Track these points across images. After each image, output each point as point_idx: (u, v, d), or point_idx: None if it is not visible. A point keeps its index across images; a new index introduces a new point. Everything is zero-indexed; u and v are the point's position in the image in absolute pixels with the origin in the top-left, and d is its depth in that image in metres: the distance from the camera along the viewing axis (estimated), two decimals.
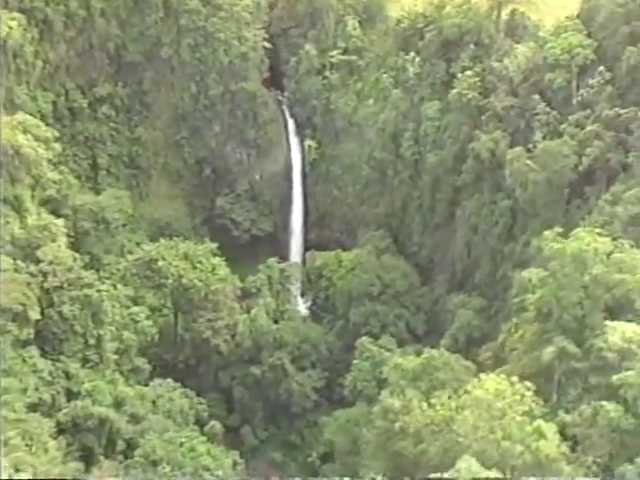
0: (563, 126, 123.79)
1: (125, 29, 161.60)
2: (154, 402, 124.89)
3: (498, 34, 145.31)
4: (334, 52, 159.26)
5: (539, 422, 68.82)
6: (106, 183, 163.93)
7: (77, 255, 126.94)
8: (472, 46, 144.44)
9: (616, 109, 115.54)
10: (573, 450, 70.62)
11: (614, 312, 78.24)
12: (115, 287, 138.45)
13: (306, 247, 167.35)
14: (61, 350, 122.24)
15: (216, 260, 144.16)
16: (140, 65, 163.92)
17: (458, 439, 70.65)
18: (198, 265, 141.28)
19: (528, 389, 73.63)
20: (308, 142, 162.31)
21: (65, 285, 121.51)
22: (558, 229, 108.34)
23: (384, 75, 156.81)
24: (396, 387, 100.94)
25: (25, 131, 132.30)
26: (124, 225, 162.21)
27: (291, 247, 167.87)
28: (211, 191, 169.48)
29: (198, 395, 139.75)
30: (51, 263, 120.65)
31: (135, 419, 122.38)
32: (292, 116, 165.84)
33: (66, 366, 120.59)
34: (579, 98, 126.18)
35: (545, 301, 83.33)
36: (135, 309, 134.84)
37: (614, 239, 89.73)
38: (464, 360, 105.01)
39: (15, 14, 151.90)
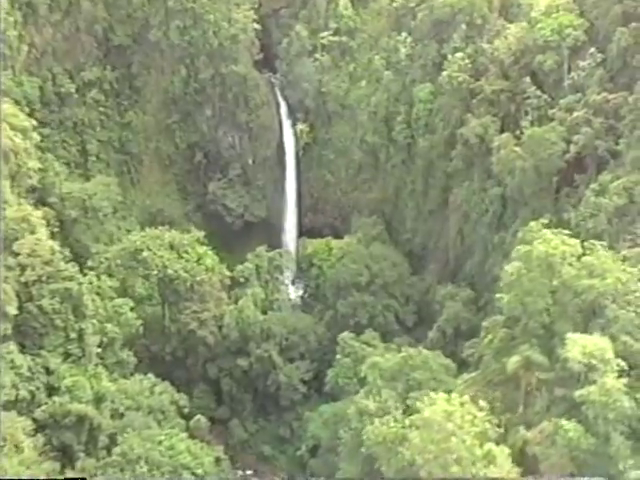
0: (553, 111, 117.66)
1: (112, 11, 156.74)
2: (134, 398, 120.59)
3: (492, 14, 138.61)
4: (325, 33, 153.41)
5: (490, 446, 63.89)
6: (96, 169, 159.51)
7: (58, 247, 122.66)
8: (464, 26, 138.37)
9: (605, 94, 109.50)
10: (532, 472, 65.59)
11: (584, 319, 72.89)
12: (99, 278, 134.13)
13: (300, 232, 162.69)
14: (41, 345, 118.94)
15: (203, 249, 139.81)
16: (129, 48, 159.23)
17: (409, 459, 65.91)
18: (184, 255, 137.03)
19: (481, 409, 68.68)
20: (299, 126, 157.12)
21: (44, 278, 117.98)
22: (544, 220, 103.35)
23: (376, 56, 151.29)
24: (373, 387, 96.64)
25: (2, 120, 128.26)
26: (114, 212, 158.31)
27: (285, 233, 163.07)
28: (203, 176, 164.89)
29: (187, 387, 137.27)
30: (29, 256, 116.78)
31: (116, 415, 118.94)
32: (284, 99, 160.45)
33: (46, 361, 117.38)
34: (570, 81, 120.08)
35: (511, 307, 78.26)
36: (119, 301, 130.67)
37: (584, 240, 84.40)
38: (444, 358, 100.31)
39: None
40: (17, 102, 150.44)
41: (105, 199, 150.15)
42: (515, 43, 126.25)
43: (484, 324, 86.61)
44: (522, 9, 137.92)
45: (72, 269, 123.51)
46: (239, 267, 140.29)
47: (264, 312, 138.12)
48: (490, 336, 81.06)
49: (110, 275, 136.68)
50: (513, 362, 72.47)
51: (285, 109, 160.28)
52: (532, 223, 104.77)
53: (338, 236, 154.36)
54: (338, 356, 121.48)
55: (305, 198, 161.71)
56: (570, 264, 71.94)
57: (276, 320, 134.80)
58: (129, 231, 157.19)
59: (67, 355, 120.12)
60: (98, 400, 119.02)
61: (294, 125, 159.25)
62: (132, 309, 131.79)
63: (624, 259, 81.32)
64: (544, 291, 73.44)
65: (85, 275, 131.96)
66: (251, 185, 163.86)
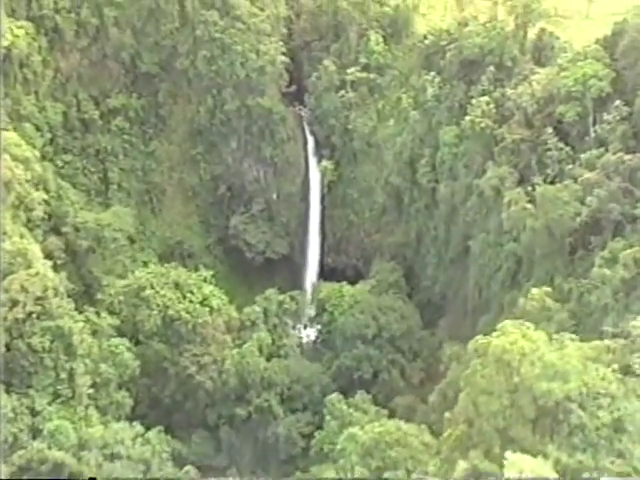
0: (569, 167, 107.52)
1: (139, 39, 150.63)
2: (116, 447, 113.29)
3: (523, 56, 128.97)
4: (352, 69, 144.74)
5: None
6: (116, 198, 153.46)
7: (58, 281, 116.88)
8: (492, 68, 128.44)
9: (620, 154, 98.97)
10: None
11: (545, 425, 63.09)
12: (99, 315, 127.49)
13: (322, 272, 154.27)
14: (30, 384, 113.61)
15: (210, 289, 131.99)
16: (156, 76, 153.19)
17: None
18: (188, 295, 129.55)
19: None
20: (324, 163, 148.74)
21: (35, 315, 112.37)
22: (547, 288, 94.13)
23: (404, 95, 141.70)
24: (347, 462, 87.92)
25: (4, 151, 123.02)
26: (132, 243, 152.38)
27: (307, 271, 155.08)
28: (227, 209, 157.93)
29: (186, 432, 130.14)
30: (20, 292, 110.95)
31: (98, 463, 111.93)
32: (312, 134, 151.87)
33: (32, 402, 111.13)
34: (594, 134, 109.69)
35: (464, 406, 68.90)
36: (115, 341, 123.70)
37: (554, 333, 74.67)
38: (427, 434, 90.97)
39: (23, 22, 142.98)
40: (38, 128, 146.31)
41: (119, 230, 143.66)
42: (540, 90, 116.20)
43: (446, 415, 77.16)
44: (556, 52, 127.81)
45: (67, 306, 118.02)
46: (246, 309, 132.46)
47: (269, 358, 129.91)
48: (450, 430, 71.73)
49: (112, 312, 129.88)
50: (460, 470, 63.12)
51: (312, 145, 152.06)
52: (534, 290, 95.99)
53: (360, 278, 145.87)
54: (327, 417, 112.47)
55: (328, 237, 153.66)
56: (530, 363, 62.38)
57: (279, 368, 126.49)
58: (146, 263, 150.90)
59: (56, 395, 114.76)
60: (81, 446, 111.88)
61: (320, 162, 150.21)
62: (129, 349, 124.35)
63: (609, 350, 71.31)
64: (500, 391, 64.00)
65: (82, 312, 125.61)
66: (274, 221, 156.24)
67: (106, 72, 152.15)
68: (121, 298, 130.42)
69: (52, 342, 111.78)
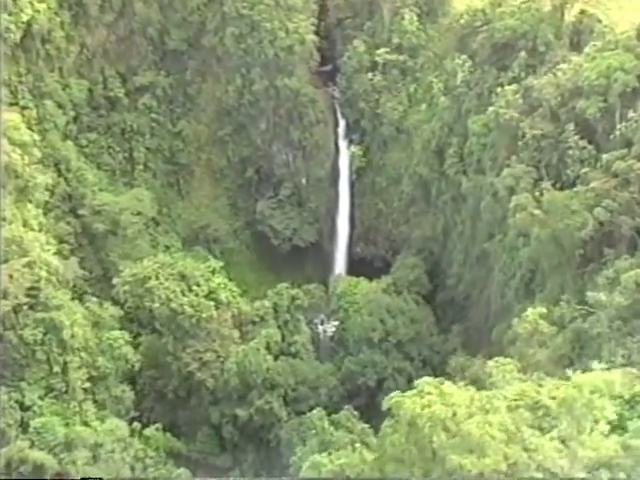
0: (584, 170, 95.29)
1: (167, 14, 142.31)
2: (101, 447, 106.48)
3: (558, 40, 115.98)
4: (382, 50, 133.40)
5: None
6: (142, 179, 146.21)
7: (48, 272, 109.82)
8: (523, 54, 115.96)
9: (632, 161, 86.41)
10: None
11: None
12: (101, 305, 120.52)
13: (351, 262, 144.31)
14: (22, 377, 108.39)
15: (218, 281, 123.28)
16: (184, 54, 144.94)
17: None
18: (194, 287, 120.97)
19: None
20: (353, 148, 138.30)
21: (28, 306, 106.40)
22: (542, 309, 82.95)
23: (434, 79, 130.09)
24: None
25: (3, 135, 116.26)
26: (157, 225, 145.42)
27: (335, 261, 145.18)
28: (255, 193, 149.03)
29: (190, 428, 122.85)
30: (9, 282, 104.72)
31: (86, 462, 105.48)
32: (344, 117, 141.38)
33: (22, 396, 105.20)
34: (618, 133, 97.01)
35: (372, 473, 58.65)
36: (114, 334, 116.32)
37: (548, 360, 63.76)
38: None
39: None
40: (61, 105, 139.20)
41: (138, 214, 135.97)
42: (565, 81, 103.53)
43: None
44: (594, 37, 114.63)
45: (63, 297, 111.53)
46: (256, 304, 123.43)
47: (278, 356, 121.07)
48: None
49: (116, 302, 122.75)
50: None
51: (343, 128, 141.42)
52: (529, 310, 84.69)
53: (389, 271, 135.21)
54: (310, 433, 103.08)
55: (357, 226, 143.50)
56: (446, 430, 51.82)
57: (283, 368, 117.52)
58: (168, 247, 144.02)
59: (49, 389, 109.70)
60: (68, 445, 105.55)
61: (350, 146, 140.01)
62: (129, 342, 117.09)
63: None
64: (412, 460, 53.68)
65: (84, 302, 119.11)
66: (303, 207, 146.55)
67: (133, 48, 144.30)
68: (127, 288, 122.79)
69: (45, 334, 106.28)
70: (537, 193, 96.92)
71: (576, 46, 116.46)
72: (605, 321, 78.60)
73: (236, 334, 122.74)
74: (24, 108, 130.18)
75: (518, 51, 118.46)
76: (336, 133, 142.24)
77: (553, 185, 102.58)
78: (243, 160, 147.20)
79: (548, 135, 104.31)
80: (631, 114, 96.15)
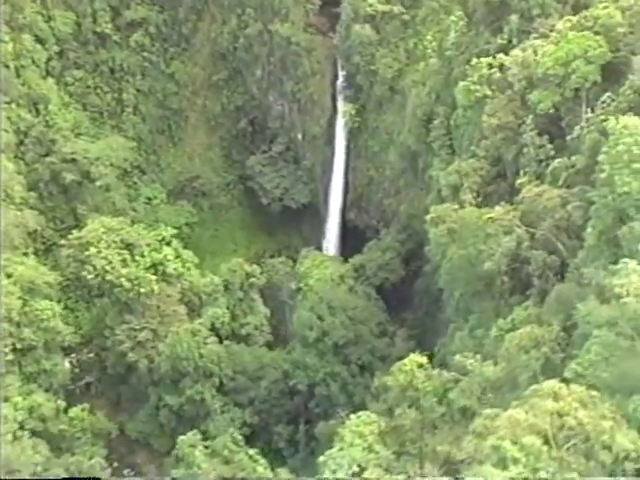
0: (519, 180, 77.36)
1: None
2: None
3: (558, 3, 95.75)
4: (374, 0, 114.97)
5: None
6: (130, 122, 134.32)
7: None
8: (514, 17, 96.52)
9: (540, 187, 68.11)
10: None
11: None
12: (37, 270, 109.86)
13: (344, 229, 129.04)
14: None
15: (167, 252, 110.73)
16: None
17: None
18: (139, 258, 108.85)
19: None
20: (344, 107, 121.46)
21: None
22: (422, 358, 68.04)
23: (429, 36, 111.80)
24: None
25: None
26: (143, 173, 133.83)
27: (327, 226, 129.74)
28: (250, 145, 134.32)
29: (133, 406, 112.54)
30: None
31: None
32: (344, 69, 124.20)
33: None
34: (569, 138, 78.47)
35: None
36: (44, 304, 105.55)
37: None
38: None
39: None
40: (41, 40, 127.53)
41: (110, 165, 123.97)
42: (525, 63, 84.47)
43: None
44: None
45: None
46: (204, 280, 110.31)
47: (227, 338, 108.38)
48: None
49: (56, 267, 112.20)
50: None
51: (341, 82, 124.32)
52: (411, 357, 69.63)
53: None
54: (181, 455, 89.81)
55: (351, 191, 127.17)
56: None
57: (220, 356, 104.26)
58: (150, 200, 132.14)
59: None
60: None
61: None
62: (57, 314, 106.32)
63: None
64: None
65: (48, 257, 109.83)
66: (298, 164, 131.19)
67: None
68: (70, 252, 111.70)
69: None
70: (456, 205, 79.06)
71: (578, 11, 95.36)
72: (477, 390, 62.39)
73: (182, 311, 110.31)
74: None
75: (511, 13, 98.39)
76: (334, 86, 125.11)
77: (512, 186, 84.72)
78: (238, 109, 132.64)
79: (506, 126, 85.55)
80: (587, 115, 76.66)
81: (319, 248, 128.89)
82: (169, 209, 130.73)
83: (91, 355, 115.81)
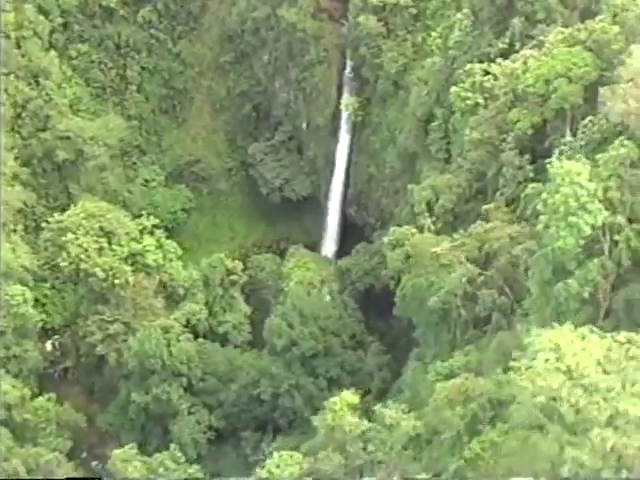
0: (485, 207, 70.90)
1: None
2: None
3: (565, 8, 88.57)
4: None
5: None
6: (133, 100, 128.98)
7: None
8: (516, 20, 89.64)
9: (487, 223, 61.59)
10: None
11: None
12: (14, 252, 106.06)
13: (344, 224, 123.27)
14: None
15: (148, 242, 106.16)
16: None
17: None
18: (116, 247, 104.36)
19: None
20: (347, 100, 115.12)
21: None
22: (353, 398, 62.42)
23: (435, 32, 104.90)
24: None
25: None
26: (143, 153, 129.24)
27: (327, 221, 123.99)
28: (255, 131, 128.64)
29: (106, 397, 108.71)
30: None
31: None
32: (352, 59, 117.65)
33: None
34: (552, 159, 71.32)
35: None
36: (14, 289, 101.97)
37: None
38: None
39: None
40: (44, 11, 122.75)
41: (104, 145, 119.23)
42: (512, 75, 77.62)
43: None
44: (604, 9, 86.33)
45: None
46: (184, 274, 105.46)
47: (197, 336, 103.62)
48: None
49: (36, 251, 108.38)
50: None
51: (349, 73, 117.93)
52: (341, 394, 64.24)
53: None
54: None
55: (351, 186, 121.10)
56: None
57: (189, 354, 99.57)
58: (147, 182, 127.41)
59: None
60: None
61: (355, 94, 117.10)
62: (28, 300, 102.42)
63: None
64: None
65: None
66: (302, 155, 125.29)
67: None
68: (49, 236, 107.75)
69: None
70: (413, 229, 72.64)
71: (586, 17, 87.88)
72: (397, 444, 56.70)
73: (159, 305, 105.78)
74: None
75: (516, 15, 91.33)
76: (341, 77, 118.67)
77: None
78: (243, 93, 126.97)
79: (488, 141, 78.84)
80: (566, 139, 69.76)
81: (319, 242, 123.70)
82: (166, 193, 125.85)
83: (71, 340, 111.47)
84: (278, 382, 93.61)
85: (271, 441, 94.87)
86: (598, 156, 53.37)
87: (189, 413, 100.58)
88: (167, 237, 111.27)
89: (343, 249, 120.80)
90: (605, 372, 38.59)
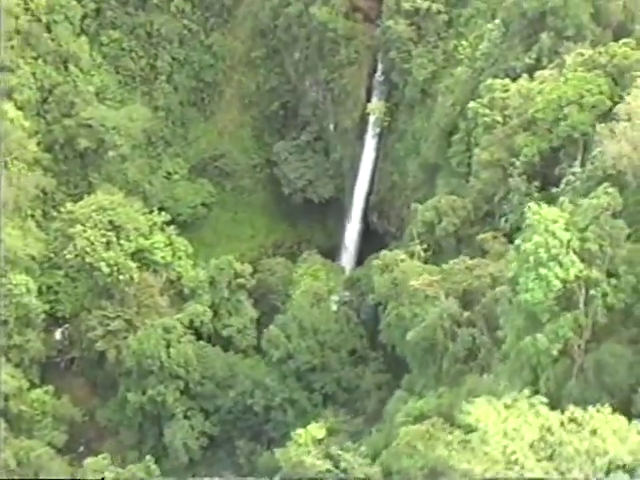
0: (482, 235, 66.57)
1: None
2: None
3: (597, 26, 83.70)
4: None
5: None
6: (162, 91, 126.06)
7: None
8: (544, 35, 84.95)
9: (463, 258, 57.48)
10: None
11: None
12: (25, 238, 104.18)
13: (366, 230, 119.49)
14: None
15: (157, 238, 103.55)
16: None
17: None
18: (124, 242, 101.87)
19: None
20: (373, 105, 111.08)
21: None
22: (320, 430, 58.98)
23: (465, 42, 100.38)
24: None
25: None
26: (168, 145, 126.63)
27: (348, 226, 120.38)
28: (283, 129, 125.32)
29: (107, 392, 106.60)
30: None
31: None
32: (383, 62, 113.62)
33: None
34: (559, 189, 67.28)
35: None
36: (18, 278, 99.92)
37: None
38: None
39: None
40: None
41: (125, 135, 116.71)
42: (528, 96, 73.09)
43: None
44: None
45: None
46: (191, 273, 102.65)
47: (199, 338, 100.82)
48: None
49: (40, 239, 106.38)
50: None
51: (379, 76, 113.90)
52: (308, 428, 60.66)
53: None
54: None
55: (374, 193, 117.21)
56: None
57: (188, 357, 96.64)
58: (170, 174, 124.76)
59: None
60: None
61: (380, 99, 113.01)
62: (31, 291, 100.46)
63: None
64: None
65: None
66: (328, 157, 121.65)
67: None
68: (59, 225, 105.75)
69: None
70: (403, 254, 68.50)
71: (618, 35, 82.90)
72: None
73: (163, 303, 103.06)
74: None
75: (546, 30, 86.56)
76: (371, 79, 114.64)
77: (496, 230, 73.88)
78: (272, 90, 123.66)
79: (497, 163, 74.39)
80: (574, 169, 65.21)
81: (339, 246, 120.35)
82: (188, 186, 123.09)
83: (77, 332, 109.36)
84: (271, 394, 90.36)
85: (265, 452, 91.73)
86: (580, 202, 48.88)
87: (185, 417, 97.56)
88: (186, 232, 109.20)
89: (363, 256, 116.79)
90: (538, 459, 34.41)
